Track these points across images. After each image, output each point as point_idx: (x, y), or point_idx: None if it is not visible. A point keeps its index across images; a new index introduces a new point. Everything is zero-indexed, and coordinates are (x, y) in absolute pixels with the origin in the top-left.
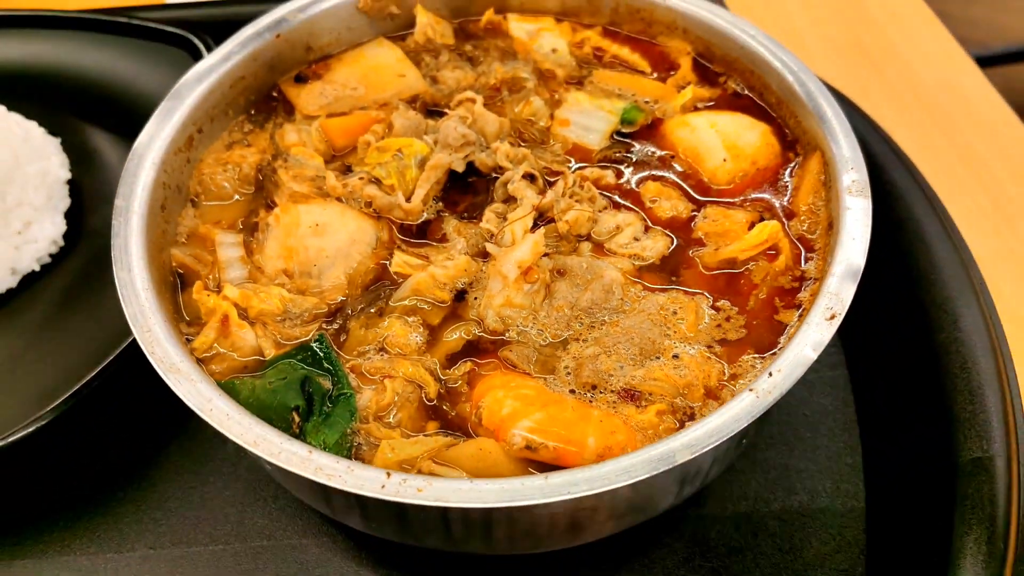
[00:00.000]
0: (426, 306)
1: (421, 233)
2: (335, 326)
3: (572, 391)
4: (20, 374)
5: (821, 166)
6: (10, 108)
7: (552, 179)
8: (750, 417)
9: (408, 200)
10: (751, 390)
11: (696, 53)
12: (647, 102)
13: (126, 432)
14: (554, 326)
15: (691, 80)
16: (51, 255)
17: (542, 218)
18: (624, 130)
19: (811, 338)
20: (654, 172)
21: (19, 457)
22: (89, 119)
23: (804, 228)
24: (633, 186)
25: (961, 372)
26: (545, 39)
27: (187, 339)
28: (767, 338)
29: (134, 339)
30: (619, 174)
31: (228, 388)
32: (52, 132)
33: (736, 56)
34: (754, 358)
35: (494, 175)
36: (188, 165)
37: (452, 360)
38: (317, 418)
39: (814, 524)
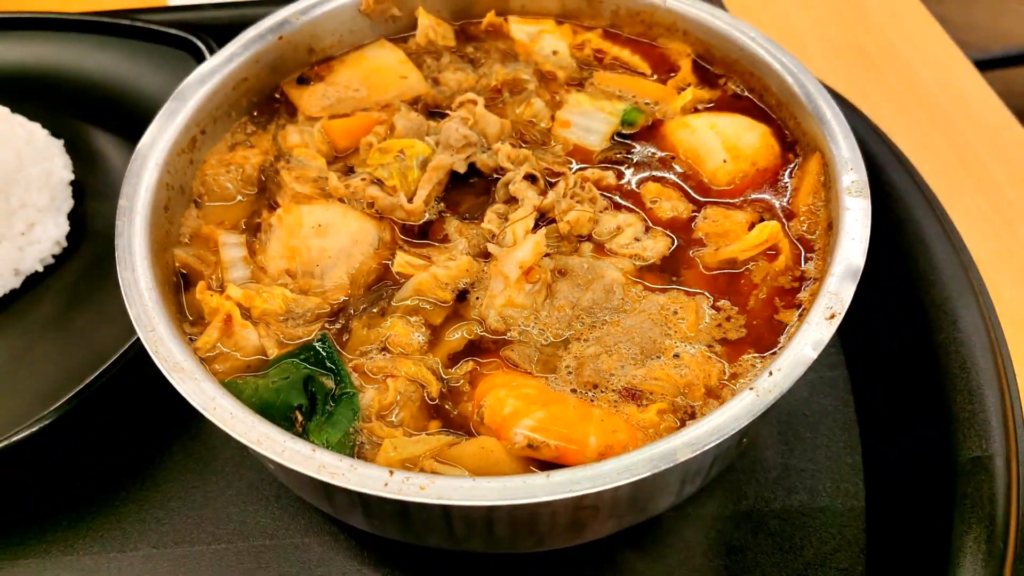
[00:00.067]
0: (428, 306)
1: (423, 234)
2: (338, 326)
3: (573, 390)
4: (23, 374)
5: (821, 167)
6: (13, 110)
7: (553, 180)
8: (750, 416)
9: (410, 201)
10: (751, 389)
11: (696, 55)
12: (647, 104)
13: (129, 432)
14: (555, 326)
15: (691, 82)
16: (54, 256)
17: (543, 219)
18: (625, 131)
19: (811, 337)
20: (654, 173)
21: (22, 457)
22: (92, 121)
23: (804, 228)
24: (634, 187)
25: (960, 372)
26: (546, 41)
27: (190, 339)
28: (767, 338)
29: (137, 339)
30: (620, 175)
31: (231, 387)
32: (55, 134)
33: (736, 58)
34: (754, 357)
35: (495, 176)
36: (191, 166)
37: (454, 359)
38: (320, 417)
39: (814, 523)
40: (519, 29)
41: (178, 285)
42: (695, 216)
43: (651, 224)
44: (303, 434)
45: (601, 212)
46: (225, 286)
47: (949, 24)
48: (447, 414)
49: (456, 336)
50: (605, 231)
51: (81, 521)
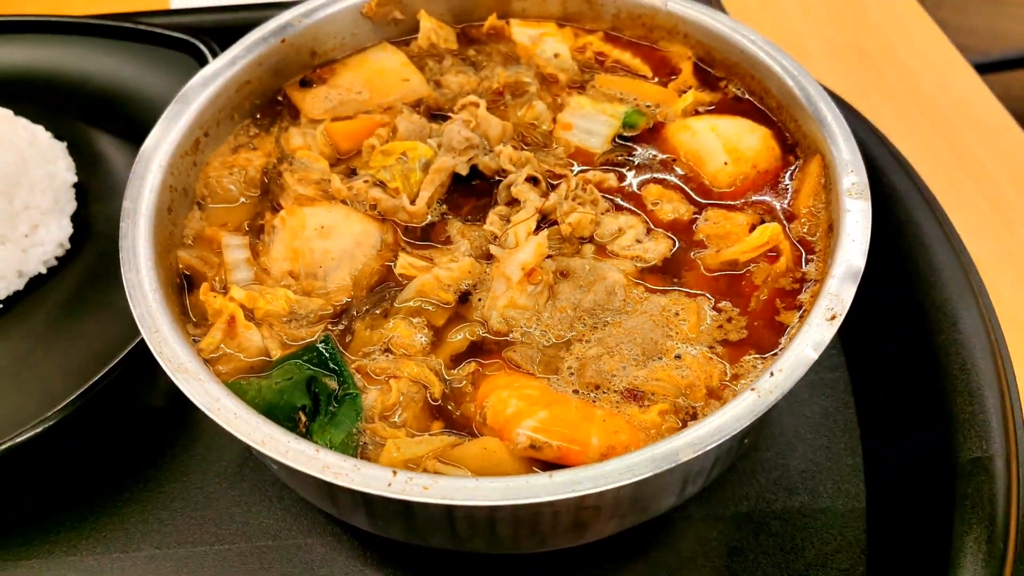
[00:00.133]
0: (430, 307)
1: (425, 235)
2: (340, 327)
3: (575, 391)
4: (27, 375)
5: (821, 169)
6: (17, 112)
7: (555, 182)
8: (752, 416)
9: (412, 203)
10: (753, 389)
11: (697, 58)
12: (648, 106)
13: (132, 433)
14: (557, 327)
15: (692, 84)
16: (57, 258)
17: (545, 220)
18: (626, 134)
19: (812, 338)
20: (656, 175)
21: (26, 458)
22: (94, 123)
23: (804, 230)
24: (635, 189)
25: (960, 373)
26: (547, 44)
27: (194, 340)
28: (768, 339)
29: (141, 340)
30: (621, 177)
31: (235, 388)
32: (58, 136)
33: (737, 61)
34: (755, 358)
35: (497, 178)
36: (194, 168)
37: (456, 360)
38: (323, 418)
39: (815, 524)
40: (521, 32)
41: (181, 287)
42: (696, 218)
43: (652, 226)
44: (306, 435)
45: (603, 214)
46: (228, 287)
47: (948, 27)
48: (450, 415)
49: (458, 337)
50: (607, 233)
51: (84, 522)
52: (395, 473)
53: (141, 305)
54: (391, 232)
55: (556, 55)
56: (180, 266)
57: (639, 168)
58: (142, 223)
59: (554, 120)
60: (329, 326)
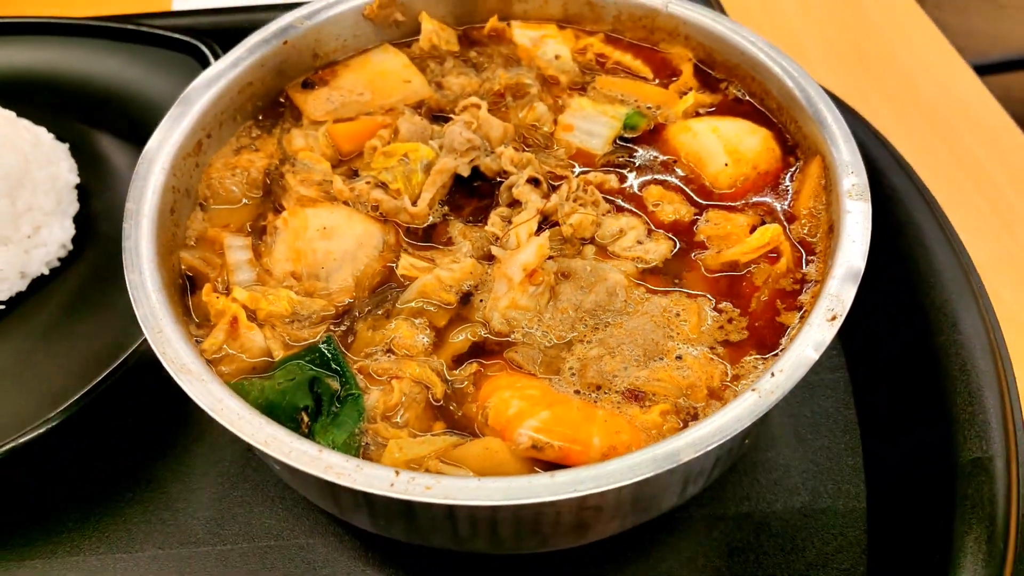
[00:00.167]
0: (432, 308)
1: (427, 236)
2: (343, 328)
3: (577, 392)
4: (29, 376)
5: (821, 170)
6: (19, 114)
7: (556, 183)
8: (753, 416)
9: (414, 204)
10: (754, 390)
11: (697, 59)
12: (649, 108)
13: (135, 434)
14: (559, 328)
15: (693, 86)
16: (60, 259)
17: (546, 222)
18: (627, 135)
19: (813, 339)
20: (656, 176)
21: (29, 459)
22: (97, 125)
23: (805, 231)
24: (636, 190)
25: (960, 374)
26: (548, 46)
27: (196, 341)
28: (769, 339)
29: (143, 341)
30: (622, 178)
31: (238, 389)
32: (60, 137)
33: (737, 62)
34: (756, 359)
35: (499, 179)
36: (197, 169)
37: (458, 361)
38: (326, 418)
39: (816, 524)
40: (522, 34)
41: (184, 287)
42: (697, 219)
43: (653, 227)
44: (309, 435)
45: (604, 215)
46: (231, 288)
47: (948, 29)
48: (452, 415)
49: (460, 338)
50: (608, 234)
51: (87, 522)
52: (397, 473)
53: (144, 306)
54: (393, 233)
55: (557, 57)
56: (183, 267)
57: (640, 169)
58: (145, 224)
59: (555, 122)
60: (331, 327)
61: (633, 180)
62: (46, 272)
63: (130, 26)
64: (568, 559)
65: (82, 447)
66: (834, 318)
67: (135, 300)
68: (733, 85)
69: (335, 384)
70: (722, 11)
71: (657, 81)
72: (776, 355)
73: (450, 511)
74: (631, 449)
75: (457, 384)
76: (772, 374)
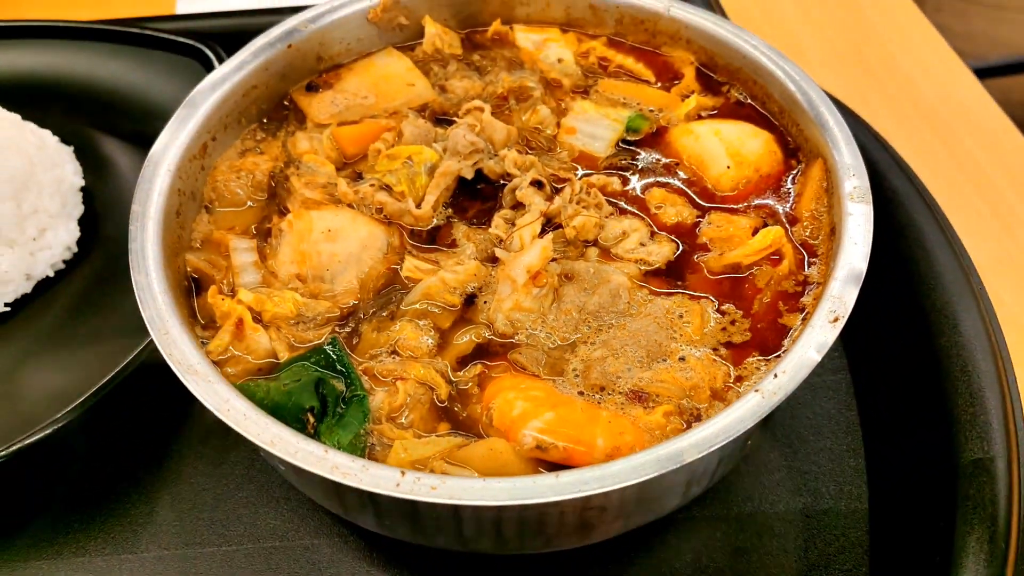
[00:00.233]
0: (436, 310)
1: (431, 239)
2: (347, 329)
3: (581, 393)
4: (35, 378)
5: (823, 173)
6: (24, 117)
7: (559, 186)
8: (756, 417)
9: (418, 206)
10: (757, 391)
11: (700, 63)
12: (652, 111)
13: (140, 435)
14: (562, 329)
15: (695, 89)
16: (65, 261)
17: (550, 224)
18: (629, 138)
19: (815, 340)
20: (659, 179)
21: (34, 460)
22: (101, 127)
23: (807, 233)
24: (639, 193)
25: (961, 375)
26: (551, 49)
27: (202, 342)
28: (771, 341)
29: (149, 342)
30: (625, 181)
31: (244, 390)
32: (65, 140)
33: (739, 66)
34: (759, 360)
35: (502, 182)
36: (202, 172)
37: (463, 362)
38: (331, 419)
39: (818, 525)
40: (524, 37)
41: (189, 289)
42: (699, 221)
43: (656, 229)
44: (314, 436)
45: (607, 217)
46: (236, 290)
47: (948, 33)
48: (456, 416)
49: (464, 339)
50: (611, 236)
51: (93, 523)
52: (403, 473)
53: (151, 307)
54: (397, 235)
55: (560, 60)
56: (188, 269)
57: (643, 172)
58: (151, 226)
59: (558, 124)
60: (336, 328)
61: (636, 183)
62: (51, 274)
63: (135, 29)
64: (572, 559)
65: (88, 448)
66: (836, 320)
67: (141, 302)
68: (735, 88)
69: (340, 385)
70: (723, 14)
71: (659, 84)
72: (779, 356)
73: (455, 511)
74: (635, 450)
75: (461, 385)
76: (775, 375)
